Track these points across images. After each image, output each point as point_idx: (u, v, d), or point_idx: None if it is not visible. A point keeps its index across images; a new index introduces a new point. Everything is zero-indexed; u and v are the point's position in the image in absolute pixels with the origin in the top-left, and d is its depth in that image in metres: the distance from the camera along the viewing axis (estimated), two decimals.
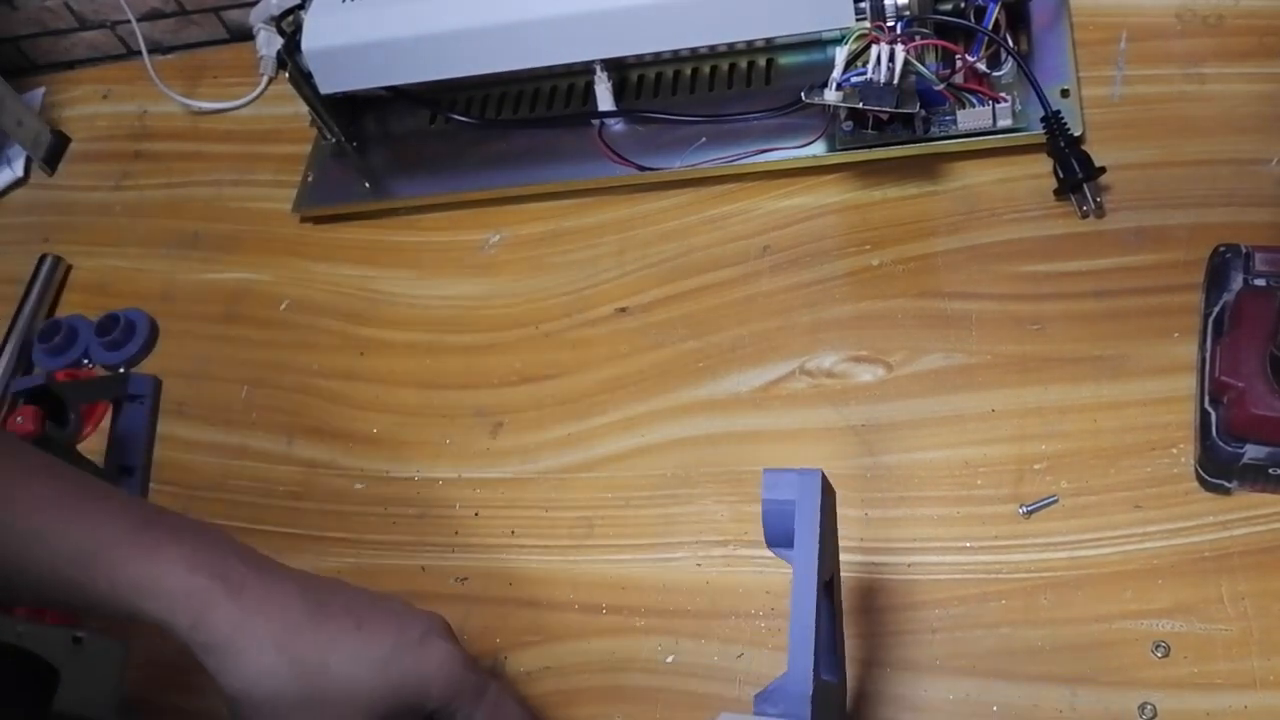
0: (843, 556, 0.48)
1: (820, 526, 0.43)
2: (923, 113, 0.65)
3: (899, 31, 0.62)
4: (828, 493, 0.45)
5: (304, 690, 0.45)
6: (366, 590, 0.50)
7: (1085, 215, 0.64)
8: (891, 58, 0.61)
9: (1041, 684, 0.51)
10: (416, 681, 0.47)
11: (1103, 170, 0.63)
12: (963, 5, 0.64)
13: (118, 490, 0.50)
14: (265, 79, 0.89)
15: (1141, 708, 0.49)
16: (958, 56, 0.65)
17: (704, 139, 0.72)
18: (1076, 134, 0.64)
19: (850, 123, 0.68)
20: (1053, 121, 0.64)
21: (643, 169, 0.72)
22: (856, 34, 0.63)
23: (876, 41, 0.62)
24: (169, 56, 0.96)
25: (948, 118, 0.66)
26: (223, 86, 0.91)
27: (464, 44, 0.71)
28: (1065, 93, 0.67)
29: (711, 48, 0.73)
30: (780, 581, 0.56)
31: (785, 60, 0.74)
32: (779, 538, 0.44)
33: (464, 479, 0.65)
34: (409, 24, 0.72)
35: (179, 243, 0.83)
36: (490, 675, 0.50)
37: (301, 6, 0.75)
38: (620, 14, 0.68)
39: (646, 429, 0.63)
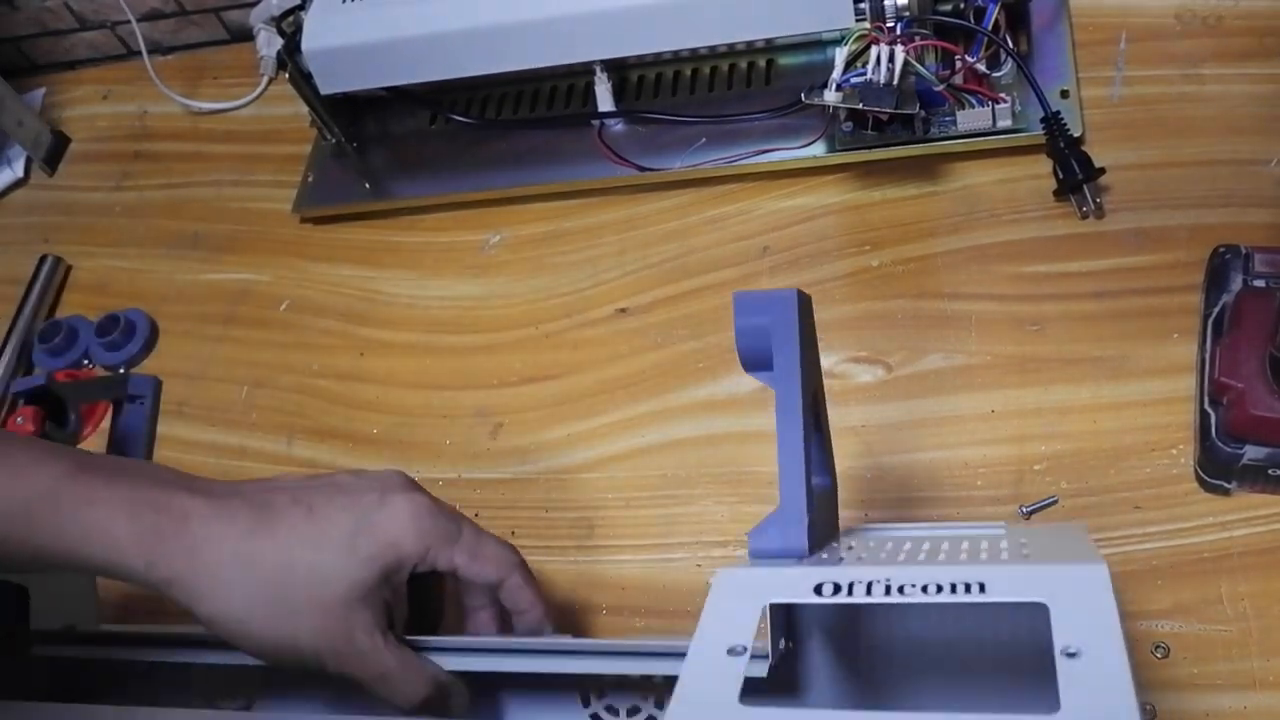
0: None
1: (800, 344, 0.41)
2: (922, 113, 0.65)
3: (899, 32, 0.62)
4: (805, 308, 0.42)
5: (276, 594, 0.44)
6: (311, 476, 0.48)
7: (1085, 216, 0.64)
8: (891, 58, 0.62)
9: None
10: (386, 547, 0.46)
11: (1102, 171, 0.63)
12: (962, 6, 0.64)
13: (40, 440, 0.48)
14: (265, 79, 0.89)
15: (1142, 708, 0.49)
16: (957, 57, 0.65)
17: (704, 139, 0.72)
18: (1076, 135, 0.64)
19: (850, 123, 0.68)
20: (1052, 122, 0.64)
21: (643, 169, 0.72)
22: (856, 34, 0.63)
23: (876, 42, 0.62)
24: (169, 57, 0.96)
25: (947, 118, 0.66)
26: (223, 87, 0.91)
27: (464, 44, 0.71)
28: (1065, 93, 0.67)
29: (712, 48, 0.73)
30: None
31: (785, 61, 0.74)
32: (756, 361, 0.42)
33: (464, 479, 0.65)
34: (409, 24, 0.72)
35: (179, 243, 0.83)
36: (460, 515, 0.49)
37: (301, 7, 0.75)
38: (620, 14, 0.68)
39: (646, 429, 0.63)
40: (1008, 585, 0.33)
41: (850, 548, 0.42)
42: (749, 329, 0.41)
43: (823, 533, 0.42)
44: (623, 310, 0.69)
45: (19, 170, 0.91)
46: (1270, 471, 0.51)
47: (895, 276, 0.65)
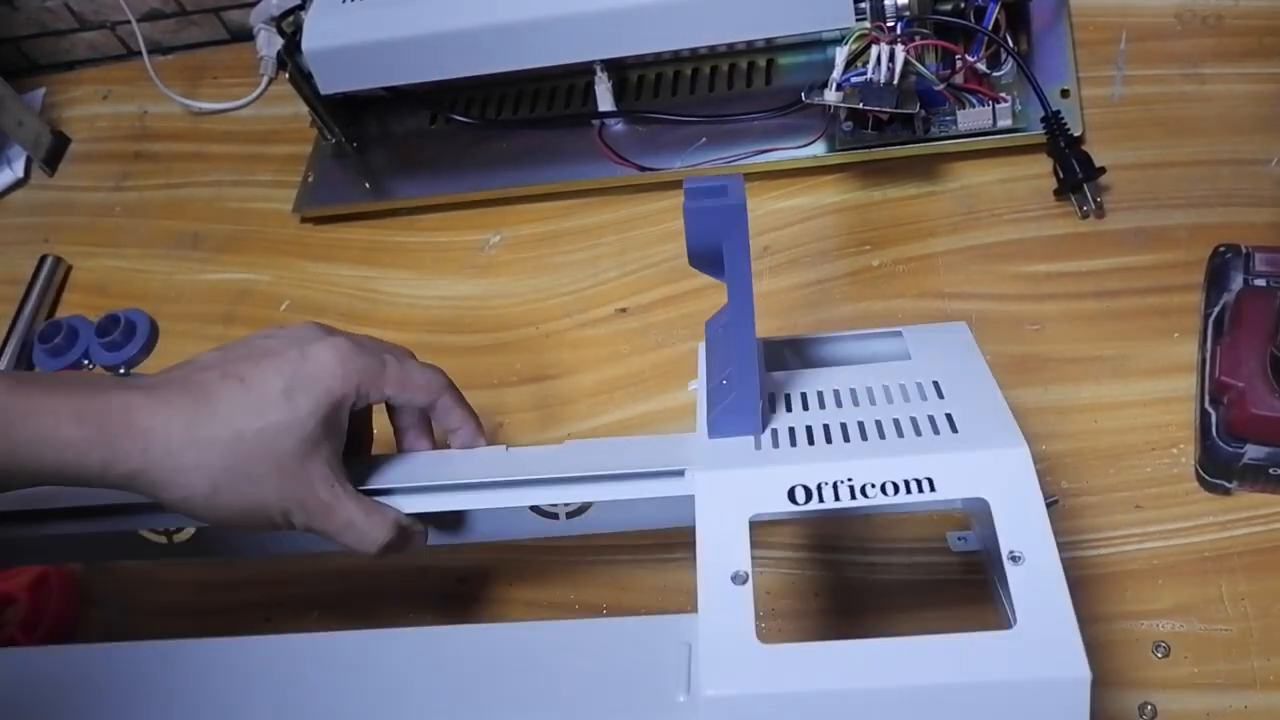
0: (842, 557, 0.48)
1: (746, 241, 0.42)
2: (923, 113, 0.65)
3: (899, 32, 0.63)
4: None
5: (234, 465, 0.46)
6: (234, 345, 0.50)
7: (1085, 215, 0.64)
8: (891, 58, 0.62)
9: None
10: (320, 395, 0.48)
11: (1103, 170, 0.63)
12: (962, 5, 0.64)
13: None
14: (265, 79, 0.89)
15: (1141, 708, 0.49)
16: (958, 57, 0.65)
17: (704, 139, 0.72)
18: (1076, 134, 0.65)
19: (850, 123, 0.68)
20: (1053, 122, 0.64)
21: (643, 169, 0.72)
22: (856, 34, 0.63)
23: (876, 42, 0.62)
24: (169, 57, 0.96)
25: (948, 118, 0.66)
26: (223, 87, 0.91)
27: (464, 44, 0.71)
28: (1065, 93, 0.67)
29: (712, 48, 0.74)
30: (780, 581, 0.56)
31: (785, 60, 0.74)
32: (705, 253, 0.43)
33: None
34: (409, 24, 0.72)
35: (179, 243, 0.83)
36: (381, 346, 0.51)
37: (302, 7, 0.75)
38: (620, 14, 0.68)
39: (647, 429, 0.63)
40: (953, 481, 0.41)
41: (785, 400, 0.47)
42: (699, 216, 0.42)
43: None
44: (623, 310, 0.69)
45: (19, 170, 0.91)
46: (1271, 471, 0.51)
47: (896, 276, 0.65)
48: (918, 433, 0.44)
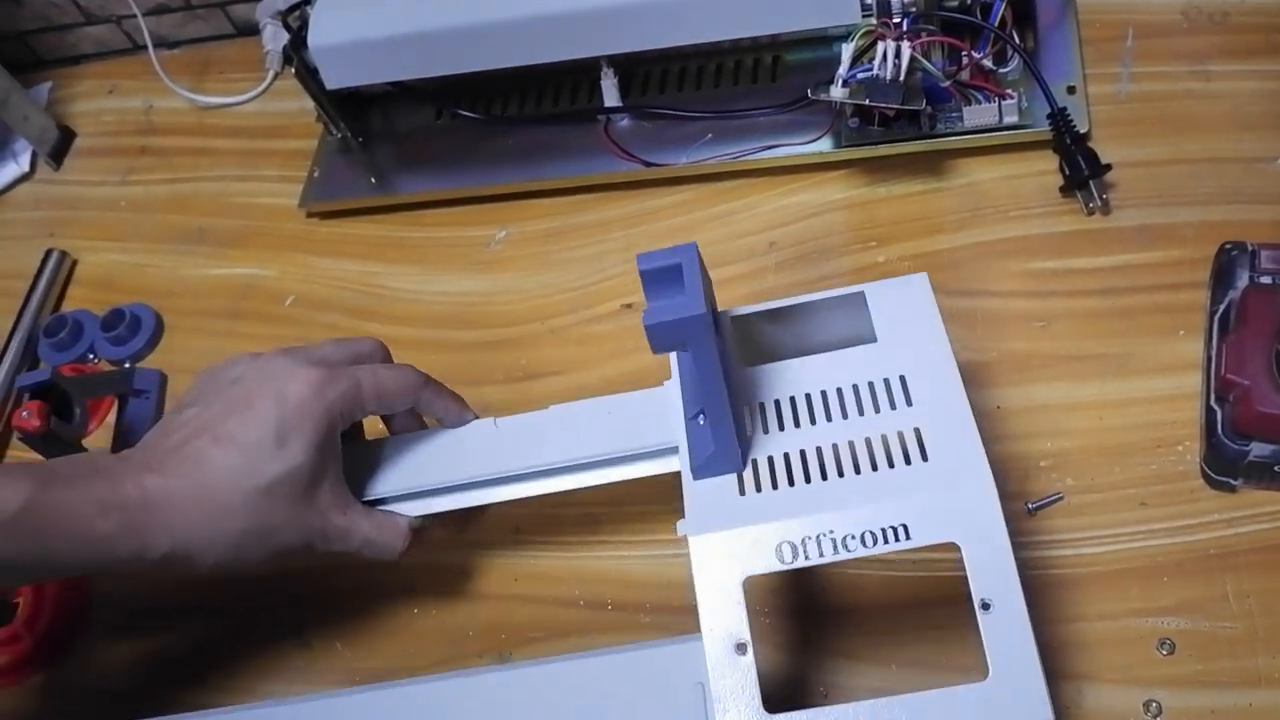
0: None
1: (712, 325, 0.45)
2: (928, 109, 0.65)
3: (905, 28, 0.62)
4: (707, 280, 0.48)
5: (251, 524, 0.50)
6: (207, 391, 0.53)
7: (1091, 212, 0.64)
8: (898, 54, 0.61)
9: (1047, 681, 0.50)
10: (308, 431, 0.50)
11: (1109, 167, 0.63)
12: (969, 2, 0.64)
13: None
14: (271, 74, 0.89)
15: (1147, 705, 0.49)
16: (964, 53, 0.65)
17: (710, 135, 0.72)
18: (1083, 131, 0.64)
19: (856, 119, 0.68)
20: (1059, 118, 0.64)
21: (649, 165, 0.72)
22: (863, 30, 0.63)
23: (883, 38, 0.62)
24: (175, 51, 0.96)
25: (954, 114, 0.66)
26: (229, 82, 0.91)
27: (470, 40, 0.71)
28: (1071, 89, 0.67)
29: (718, 44, 0.73)
30: (787, 579, 0.56)
31: (791, 57, 0.74)
32: (668, 347, 0.46)
33: None
34: (415, 20, 0.72)
35: (185, 238, 0.83)
36: (349, 367, 0.53)
37: (308, 2, 0.75)
38: (626, 10, 0.68)
39: None
40: (926, 527, 0.44)
41: (761, 413, 0.50)
42: (662, 332, 0.44)
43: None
44: (629, 306, 0.69)
45: (25, 165, 0.91)
46: (1276, 468, 0.51)
47: (901, 272, 0.64)
48: (890, 463, 0.46)
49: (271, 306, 0.76)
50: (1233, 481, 0.53)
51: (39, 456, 0.62)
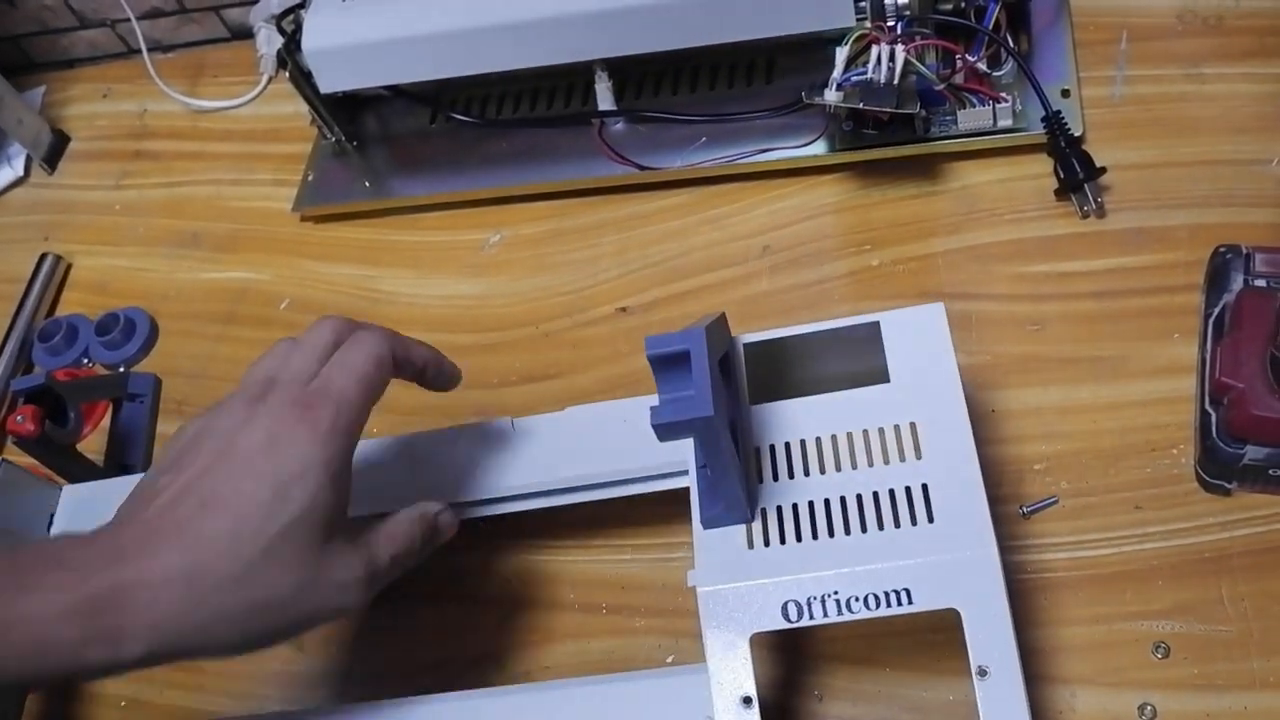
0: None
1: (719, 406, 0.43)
2: (923, 113, 0.65)
3: (899, 31, 0.62)
4: (717, 333, 0.47)
5: (258, 598, 0.43)
6: (186, 447, 0.46)
7: (1086, 215, 0.64)
8: (892, 58, 0.61)
9: (1041, 684, 0.51)
10: (310, 480, 0.44)
11: (1103, 170, 0.63)
12: (963, 5, 0.64)
13: None
14: (265, 78, 0.89)
15: (1141, 708, 0.49)
16: (958, 56, 0.65)
17: (704, 139, 0.72)
18: (1077, 134, 0.64)
19: (850, 123, 0.68)
20: (1053, 121, 0.64)
21: (643, 168, 0.72)
22: (857, 34, 0.63)
23: (877, 41, 0.62)
24: (169, 55, 0.96)
25: (948, 118, 0.66)
26: (223, 85, 0.91)
27: (464, 43, 0.71)
28: (1066, 93, 0.67)
29: (712, 47, 0.73)
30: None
31: (786, 60, 0.74)
32: (676, 438, 0.44)
33: None
34: (409, 23, 0.72)
35: (179, 242, 0.83)
36: (322, 392, 0.47)
37: (302, 5, 0.75)
38: (620, 13, 0.68)
39: None
40: (928, 592, 0.44)
41: (771, 457, 0.50)
42: (670, 431, 0.43)
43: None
44: (623, 309, 0.69)
45: (19, 168, 0.91)
46: (1271, 471, 0.51)
47: (895, 276, 0.65)
48: (896, 523, 0.46)
49: (266, 310, 0.76)
50: (1227, 485, 0.53)
51: (33, 461, 0.62)
